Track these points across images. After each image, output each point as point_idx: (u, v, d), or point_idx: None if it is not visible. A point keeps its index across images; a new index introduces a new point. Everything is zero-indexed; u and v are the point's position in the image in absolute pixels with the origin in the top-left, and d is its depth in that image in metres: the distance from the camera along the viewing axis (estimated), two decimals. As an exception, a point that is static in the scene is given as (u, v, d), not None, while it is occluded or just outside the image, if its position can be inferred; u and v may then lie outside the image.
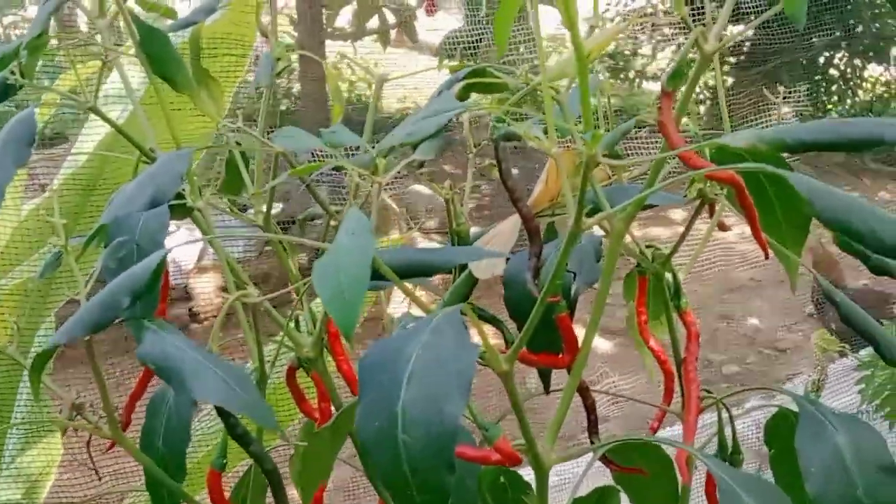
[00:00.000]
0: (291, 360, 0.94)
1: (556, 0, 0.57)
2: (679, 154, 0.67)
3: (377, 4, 7.55)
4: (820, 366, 2.01)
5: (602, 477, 1.08)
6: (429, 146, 0.73)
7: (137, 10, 0.95)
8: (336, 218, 0.83)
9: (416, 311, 0.78)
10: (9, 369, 1.44)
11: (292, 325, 0.93)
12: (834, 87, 6.78)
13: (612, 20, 6.74)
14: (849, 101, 6.78)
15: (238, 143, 0.91)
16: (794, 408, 0.86)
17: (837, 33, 5.79)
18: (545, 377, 0.93)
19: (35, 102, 1.32)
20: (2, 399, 1.49)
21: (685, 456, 0.88)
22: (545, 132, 0.68)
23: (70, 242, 0.82)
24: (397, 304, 1.16)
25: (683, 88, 0.75)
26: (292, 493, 0.98)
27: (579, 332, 0.81)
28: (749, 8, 4.46)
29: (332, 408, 0.96)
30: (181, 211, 0.84)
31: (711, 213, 0.95)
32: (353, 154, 0.83)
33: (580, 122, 0.99)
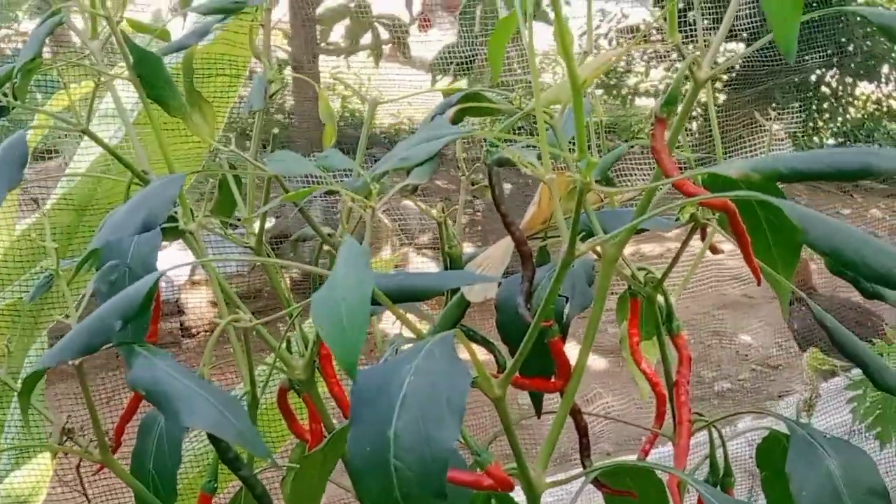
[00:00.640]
0: (283, 382, 0.94)
1: (553, 33, 0.57)
2: (675, 184, 0.67)
3: (370, 20, 7.57)
4: (812, 385, 2.01)
5: (596, 497, 1.07)
6: (422, 170, 0.73)
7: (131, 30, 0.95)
8: (328, 241, 0.83)
9: (408, 333, 0.78)
10: (-1, 390, 1.44)
11: (284, 346, 0.93)
12: (825, 105, 6.80)
13: (605, 35, 6.76)
14: (840, 118, 6.80)
15: (232, 166, 0.91)
16: (786, 430, 0.87)
17: (829, 52, 5.82)
18: (537, 400, 0.93)
19: (28, 122, 1.32)
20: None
21: (676, 482, 0.88)
22: (539, 157, 0.68)
23: (62, 265, 0.82)
24: (388, 324, 1.16)
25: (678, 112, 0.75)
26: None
27: (573, 350, 0.81)
28: (741, 26, 4.48)
29: (324, 430, 0.96)
30: (173, 233, 0.84)
31: (703, 237, 0.95)
32: (347, 175, 0.83)
33: (573, 145, 1.00)
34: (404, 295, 0.69)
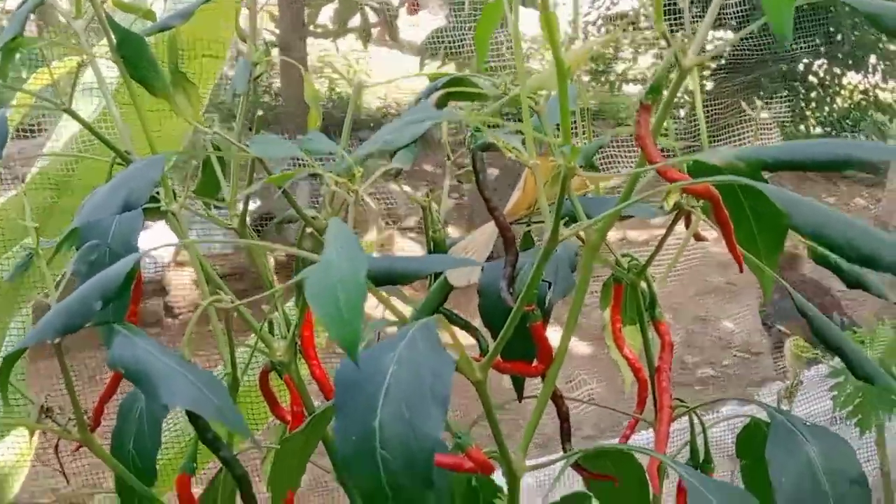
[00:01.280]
0: (265, 364, 0.94)
1: (539, 20, 0.57)
2: (659, 170, 0.67)
3: (359, 2, 7.54)
4: (793, 372, 2.02)
5: (578, 482, 1.08)
6: (406, 154, 0.73)
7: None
8: (311, 224, 0.83)
9: (391, 316, 0.78)
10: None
11: (266, 328, 0.93)
12: (813, 94, 6.82)
13: (594, 23, 6.75)
14: (827, 108, 6.82)
15: (215, 147, 0.91)
16: (767, 417, 0.87)
17: (817, 41, 5.83)
18: (519, 384, 0.93)
19: (10, 99, 1.31)
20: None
21: (656, 465, 0.88)
22: (524, 142, 0.68)
23: (42, 244, 0.81)
24: (370, 307, 1.16)
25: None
26: (264, 494, 0.98)
27: (556, 335, 0.81)
28: (730, 14, 4.48)
29: (305, 412, 0.96)
30: (155, 214, 0.84)
31: (688, 224, 0.95)
32: (333, 158, 0.83)
33: (558, 130, 0.99)
34: (388, 278, 0.69)
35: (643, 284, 0.95)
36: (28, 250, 0.82)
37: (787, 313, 4.03)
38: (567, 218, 0.75)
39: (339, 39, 8.09)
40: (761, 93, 5.70)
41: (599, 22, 6.68)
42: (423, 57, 6.57)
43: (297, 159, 0.80)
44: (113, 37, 0.85)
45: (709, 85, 5.91)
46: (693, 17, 0.77)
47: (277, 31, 6.73)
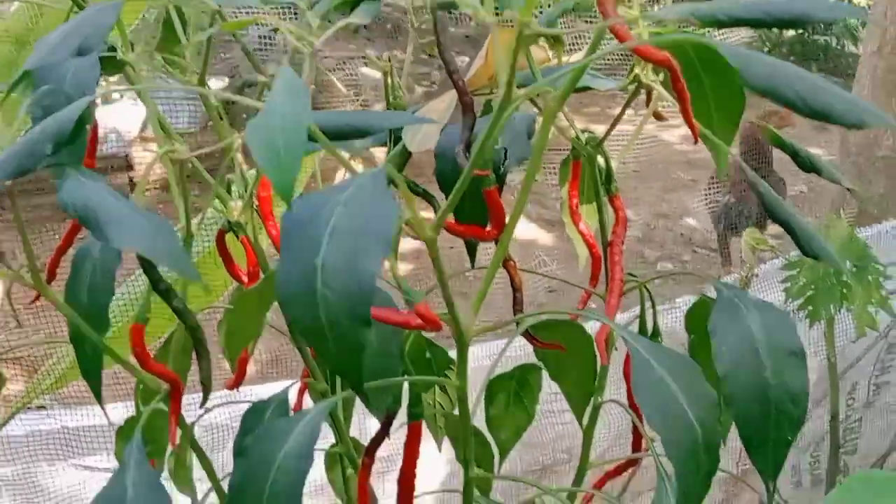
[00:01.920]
0: (222, 224, 0.94)
1: None
2: (611, 27, 0.67)
3: None
4: (748, 263, 2.05)
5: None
6: (364, 10, 0.72)
7: None
8: (269, 81, 0.82)
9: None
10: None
11: (224, 189, 0.93)
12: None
13: None
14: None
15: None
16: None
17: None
18: (472, 250, 0.94)
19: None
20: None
21: (605, 335, 0.90)
22: (483, 2, 0.67)
23: (-2, 89, 0.80)
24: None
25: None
26: (223, 364, 0.99)
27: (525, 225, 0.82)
28: None
29: (261, 272, 0.96)
30: (112, 65, 0.83)
31: (648, 102, 0.96)
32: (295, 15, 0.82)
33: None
34: (345, 132, 0.68)
35: (600, 160, 0.96)
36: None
37: (734, 220, 4.10)
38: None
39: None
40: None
41: None
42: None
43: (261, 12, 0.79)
44: None
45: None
46: None
47: None
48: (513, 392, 1.11)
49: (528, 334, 0.96)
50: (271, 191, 0.93)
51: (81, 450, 1.74)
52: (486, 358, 1.94)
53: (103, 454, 1.74)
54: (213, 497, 1.03)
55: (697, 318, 1.00)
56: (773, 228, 4.04)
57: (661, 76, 0.87)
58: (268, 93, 0.86)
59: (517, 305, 0.97)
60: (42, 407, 2.44)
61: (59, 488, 1.76)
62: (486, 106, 0.94)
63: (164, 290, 0.78)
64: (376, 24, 7.30)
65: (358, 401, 1.05)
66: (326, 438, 1.04)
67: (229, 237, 0.94)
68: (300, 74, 0.72)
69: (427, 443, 1.18)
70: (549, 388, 1.09)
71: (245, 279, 0.98)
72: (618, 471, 1.05)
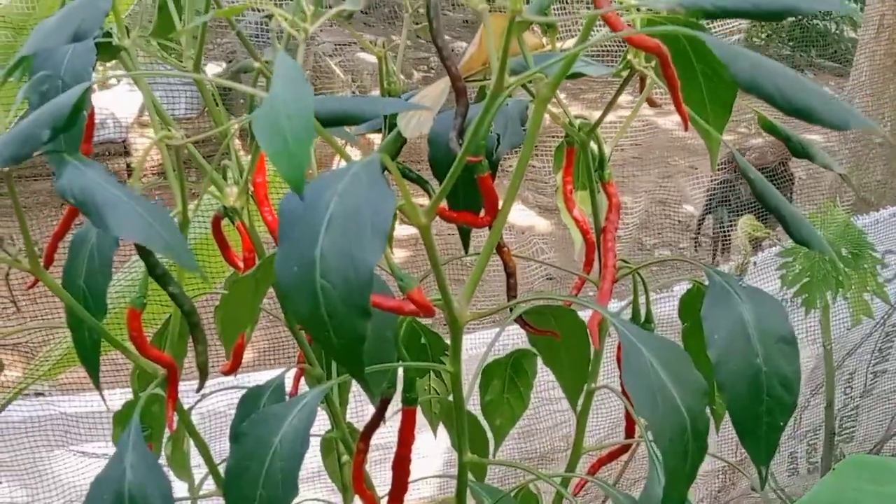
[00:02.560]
0: (217, 210, 0.94)
1: None
2: (603, 16, 0.67)
3: None
4: (744, 251, 2.06)
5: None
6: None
7: None
8: (265, 68, 0.83)
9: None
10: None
11: (220, 174, 0.93)
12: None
13: None
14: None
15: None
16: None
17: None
18: (465, 236, 0.94)
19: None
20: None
21: (597, 320, 0.90)
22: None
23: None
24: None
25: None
26: (221, 350, 0.99)
27: (520, 211, 0.82)
28: None
29: (257, 258, 0.97)
30: (108, 50, 0.83)
31: (642, 88, 0.96)
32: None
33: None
34: (336, 119, 0.69)
35: (593, 146, 0.97)
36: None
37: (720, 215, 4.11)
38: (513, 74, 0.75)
39: None
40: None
41: None
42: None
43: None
44: None
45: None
46: None
47: None
48: (507, 378, 1.12)
49: (521, 320, 0.96)
50: (266, 176, 0.93)
51: (80, 436, 1.75)
52: (483, 345, 1.95)
53: (102, 441, 1.75)
54: (211, 482, 1.04)
55: (691, 305, 1.00)
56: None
57: (654, 63, 0.88)
58: (263, 80, 0.86)
59: (511, 291, 0.98)
60: (40, 394, 2.45)
61: (57, 474, 1.77)
62: (480, 92, 0.95)
63: (160, 276, 0.78)
64: (374, 9, 7.30)
65: (354, 387, 1.06)
66: (323, 424, 1.05)
67: (226, 223, 0.95)
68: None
69: (426, 430, 1.19)
70: (546, 377, 1.09)
71: (241, 265, 0.98)
72: (611, 456, 1.06)
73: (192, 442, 1.03)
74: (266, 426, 0.72)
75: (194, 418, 1.20)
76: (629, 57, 0.86)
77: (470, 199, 0.85)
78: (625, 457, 1.23)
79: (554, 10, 0.96)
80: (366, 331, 0.59)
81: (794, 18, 6.89)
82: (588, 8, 0.78)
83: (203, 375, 0.86)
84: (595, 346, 0.97)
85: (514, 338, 1.05)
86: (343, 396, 1.04)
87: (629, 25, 0.86)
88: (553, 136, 0.94)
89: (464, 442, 0.88)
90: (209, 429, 1.69)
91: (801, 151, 0.93)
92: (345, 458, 1.09)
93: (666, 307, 2.13)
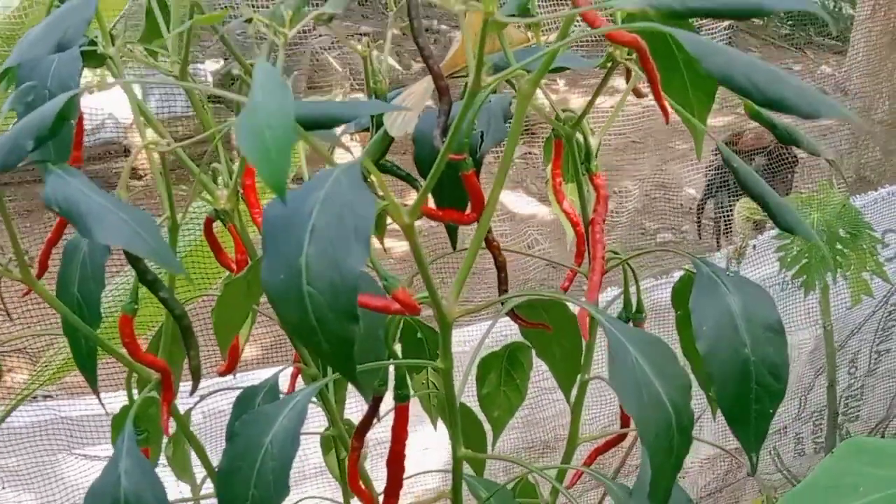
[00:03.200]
0: (209, 213, 0.95)
1: None
2: (582, 14, 0.68)
3: None
4: (742, 234, 2.06)
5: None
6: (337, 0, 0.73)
7: None
8: (249, 70, 0.83)
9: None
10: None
11: (210, 177, 0.94)
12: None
13: None
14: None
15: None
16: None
17: None
18: (452, 233, 0.95)
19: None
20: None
21: (587, 314, 0.91)
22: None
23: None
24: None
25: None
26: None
27: (516, 197, 0.82)
28: None
29: (249, 259, 0.98)
30: (94, 58, 0.84)
31: (628, 78, 0.97)
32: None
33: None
34: (318, 122, 0.69)
35: (580, 137, 0.97)
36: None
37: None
38: (497, 70, 0.76)
39: None
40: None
41: None
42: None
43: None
44: None
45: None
46: None
47: None
48: (503, 370, 1.13)
49: (512, 314, 0.97)
50: (256, 179, 0.94)
51: (84, 439, 1.76)
52: (479, 338, 1.95)
53: (106, 443, 1.76)
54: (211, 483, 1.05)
55: (683, 294, 1.01)
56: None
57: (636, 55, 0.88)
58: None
59: (501, 285, 0.99)
60: (48, 396, 2.46)
61: (63, 478, 1.78)
62: (463, 90, 0.95)
63: (151, 281, 0.79)
64: (370, 1, 7.29)
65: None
66: (323, 421, 1.05)
67: (219, 226, 0.95)
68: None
69: (429, 423, 1.20)
70: (546, 367, 1.10)
71: (234, 267, 0.99)
72: (607, 445, 1.07)
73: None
74: (257, 426, 0.73)
75: (196, 417, 1.21)
76: (610, 49, 0.86)
77: (455, 196, 0.86)
78: (627, 443, 1.23)
79: (540, 2, 0.96)
80: (354, 334, 0.60)
81: None
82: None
83: (196, 379, 0.87)
84: (585, 339, 0.98)
85: (511, 328, 1.05)
86: (340, 394, 1.05)
87: (610, 19, 0.87)
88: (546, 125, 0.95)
89: (457, 437, 0.89)
90: (212, 427, 1.70)
91: (787, 138, 0.93)
92: (344, 454, 1.10)
93: (665, 293, 2.13)
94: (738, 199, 4.06)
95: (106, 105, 5.21)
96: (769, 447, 2.52)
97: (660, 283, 2.14)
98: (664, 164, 5.40)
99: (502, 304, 0.94)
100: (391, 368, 0.86)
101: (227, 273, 1.03)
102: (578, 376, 1.03)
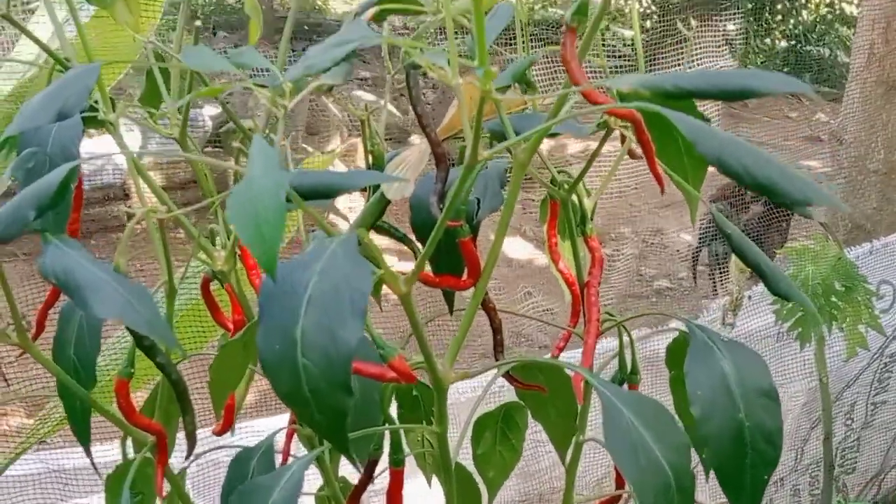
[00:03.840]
0: (206, 273, 0.96)
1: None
2: (582, 93, 0.69)
3: None
4: (738, 286, 2.06)
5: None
6: (336, 71, 0.74)
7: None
8: (248, 136, 0.84)
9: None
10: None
11: (208, 237, 0.94)
12: (779, 7, 6.81)
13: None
14: (792, 21, 6.82)
15: (158, 57, 0.92)
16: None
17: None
18: (449, 298, 0.96)
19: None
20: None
21: (581, 379, 0.91)
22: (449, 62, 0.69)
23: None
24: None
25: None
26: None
27: (521, 245, 0.83)
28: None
29: (246, 319, 0.98)
30: (94, 123, 0.85)
31: (623, 141, 0.97)
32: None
33: (509, 41, 1.01)
34: (315, 193, 0.70)
35: (575, 200, 0.98)
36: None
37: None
38: (487, 137, 0.77)
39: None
40: (727, 4, 5.69)
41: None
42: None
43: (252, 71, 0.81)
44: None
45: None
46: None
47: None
48: (499, 430, 1.13)
49: (509, 376, 0.97)
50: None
51: (77, 491, 1.75)
52: (473, 390, 1.95)
53: (99, 495, 1.75)
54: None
55: (677, 355, 1.01)
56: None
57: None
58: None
59: (497, 347, 0.99)
60: (42, 442, 2.44)
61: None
62: (461, 153, 0.96)
63: (147, 347, 0.80)
64: (370, 47, 7.34)
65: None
66: (317, 479, 1.05)
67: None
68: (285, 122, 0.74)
69: (421, 476, 1.20)
70: (541, 421, 1.10)
71: (230, 326, 0.99)
72: (602, 508, 1.07)
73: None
74: (253, 499, 0.73)
75: (192, 469, 1.21)
76: (606, 118, 0.88)
77: (452, 261, 0.86)
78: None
79: (536, 68, 0.97)
80: (348, 407, 0.60)
81: (787, 43, 6.95)
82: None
83: (192, 445, 0.87)
84: (580, 402, 0.98)
85: (505, 382, 1.06)
86: (335, 454, 1.05)
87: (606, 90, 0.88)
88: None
89: (452, 498, 0.89)
90: (206, 478, 1.70)
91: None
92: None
93: (663, 345, 2.13)
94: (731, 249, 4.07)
95: (105, 148, 5.24)
96: (766, 500, 2.51)
97: (658, 330, 2.15)
98: (660, 210, 5.43)
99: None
100: (386, 432, 0.87)
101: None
102: (574, 437, 1.03)
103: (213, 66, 0.72)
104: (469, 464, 1.13)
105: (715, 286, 4.35)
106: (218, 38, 7.73)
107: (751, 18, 6.38)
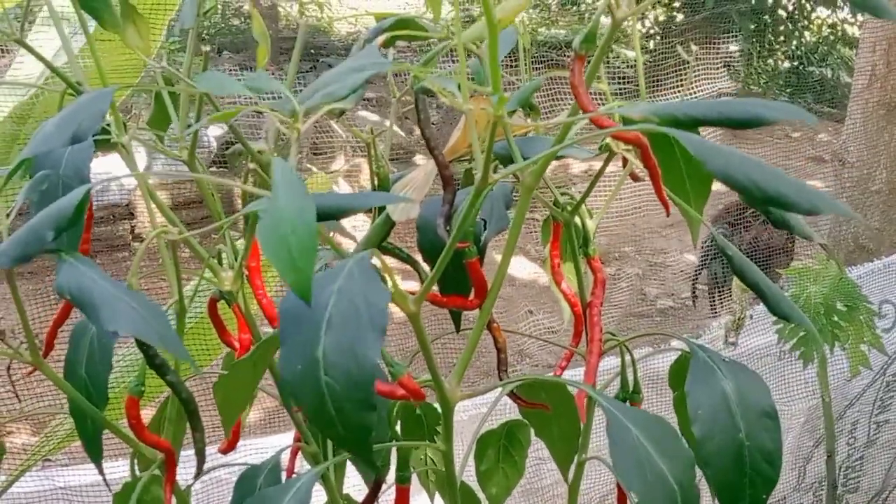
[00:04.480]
0: (213, 293, 0.97)
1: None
2: (591, 119, 0.70)
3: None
4: (740, 305, 2.07)
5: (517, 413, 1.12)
6: (351, 97, 0.75)
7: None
8: (256, 158, 0.86)
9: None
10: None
11: (216, 257, 0.96)
12: (781, 28, 6.84)
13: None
14: (795, 42, 6.85)
15: (167, 81, 0.93)
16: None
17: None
18: (456, 318, 0.97)
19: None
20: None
21: (584, 397, 0.93)
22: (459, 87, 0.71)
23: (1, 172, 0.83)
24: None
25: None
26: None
27: (524, 263, 0.84)
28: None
29: (252, 339, 0.99)
30: (105, 145, 0.86)
31: (624, 164, 0.99)
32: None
33: (512, 64, 1.02)
34: (329, 213, 0.72)
35: (577, 221, 0.99)
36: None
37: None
38: (496, 161, 0.78)
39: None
40: (729, 26, 5.72)
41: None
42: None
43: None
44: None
45: (679, 16, 5.90)
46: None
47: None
48: (502, 447, 1.14)
49: (512, 394, 0.99)
50: (260, 261, 0.96)
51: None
52: (477, 407, 1.96)
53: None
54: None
55: (678, 375, 1.02)
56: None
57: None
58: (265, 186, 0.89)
59: (502, 366, 1.00)
60: (47, 460, 2.45)
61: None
62: (465, 174, 0.98)
63: (158, 365, 0.81)
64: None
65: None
66: (323, 497, 1.06)
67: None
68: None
69: (423, 493, 1.21)
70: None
71: (237, 346, 1.00)
72: (605, 525, 1.08)
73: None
74: (261, 511, 0.74)
75: (197, 486, 1.22)
76: (608, 140, 0.89)
77: (458, 281, 0.88)
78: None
79: (541, 93, 0.99)
80: (372, 422, 0.62)
81: (789, 64, 6.97)
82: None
83: (201, 463, 0.88)
84: (582, 421, 0.99)
85: (508, 400, 1.07)
86: (339, 472, 1.06)
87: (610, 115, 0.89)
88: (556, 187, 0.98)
89: (457, 517, 0.90)
90: (209, 496, 1.70)
91: (780, 222, 0.95)
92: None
93: (665, 364, 2.14)
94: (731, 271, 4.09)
95: (110, 167, 5.26)
96: (769, 519, 2.51)
97: (657, 351, 2.16)
98: (663, 230, 5.44)
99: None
100: (393, 449, 0.88)
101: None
102: (576, 456, 1.04)
103: (225, 89, 0.73)
104: (472, 481, 1.14)
105: (714, 307, 4.36)
106: (223, 58, 7.77)
107: (753, 39, 6.41)
